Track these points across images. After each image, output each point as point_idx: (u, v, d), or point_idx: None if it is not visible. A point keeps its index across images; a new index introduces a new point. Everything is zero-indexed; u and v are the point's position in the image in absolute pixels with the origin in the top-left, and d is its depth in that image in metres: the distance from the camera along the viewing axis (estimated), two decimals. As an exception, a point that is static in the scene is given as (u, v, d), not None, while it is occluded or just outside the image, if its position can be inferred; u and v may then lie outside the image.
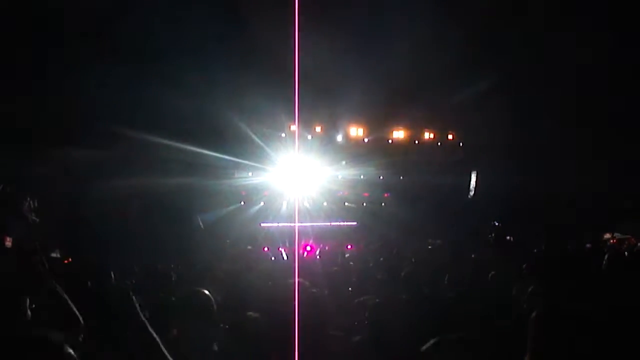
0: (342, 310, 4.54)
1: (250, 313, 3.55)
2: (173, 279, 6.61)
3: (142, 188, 15.05)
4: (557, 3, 13.61)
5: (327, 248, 17.85)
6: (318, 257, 14.64)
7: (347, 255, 14.78)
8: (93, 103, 13.69)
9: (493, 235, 16.84)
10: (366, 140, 21.08)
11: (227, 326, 3.54)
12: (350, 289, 6.45)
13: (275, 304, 3.77)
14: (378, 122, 20.87)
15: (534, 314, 2.32)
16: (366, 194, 23.83)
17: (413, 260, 10.23)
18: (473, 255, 11.54)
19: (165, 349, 2.92)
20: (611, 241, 16.06)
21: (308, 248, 17.91)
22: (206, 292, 3.25)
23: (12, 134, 12.17)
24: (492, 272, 6.12)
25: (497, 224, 17.96)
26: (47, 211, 13.02)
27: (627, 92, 14.16)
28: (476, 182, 21.75)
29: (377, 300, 4.17)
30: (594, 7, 12.96)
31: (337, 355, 3.51)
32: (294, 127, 19.73)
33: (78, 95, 13.13)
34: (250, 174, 21.31)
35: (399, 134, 21.19)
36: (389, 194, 22.96)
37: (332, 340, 3.64)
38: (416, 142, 21.45)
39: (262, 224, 22.40)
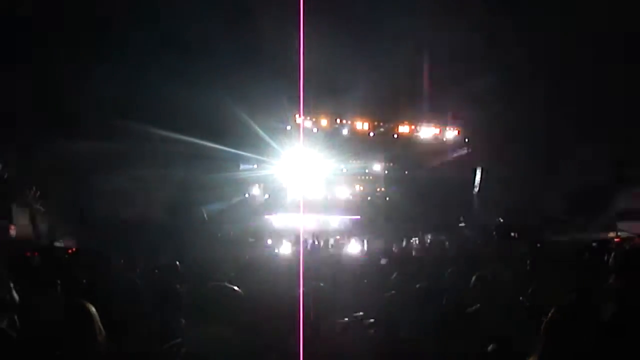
0: (347, 303, 4.53)
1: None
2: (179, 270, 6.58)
3: (146, 180, 15.07)
4: (561, 2, 13.59)
5: (331, 241, 17.86)
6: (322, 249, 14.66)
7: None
8: (99, 96, 13.70)
9: (496, 231, 16.80)
10: (371, 134, 21.05)
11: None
12: (365, 280, 6.43)
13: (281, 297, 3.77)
14: (384, 117, 20.86)
15: (550, 313, 2.30)
16: (371, 188, 23.83)
17: (416, 254, 10.22)
18: (476, 251, 11.52)
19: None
20: (615, 240, 15.98)
21: (312, 241, 17.91)
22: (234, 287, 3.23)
23: (18, 126, 12.20)
24: (492, 269, 6.04)
25: (501, 220, 17.92)
26: (52, 201, 13.06)
27: (629, 91, 14.11)
28: (481, 178, 21.69)
29: (389, 293, 4.17)
30: (596, 6, 12.93)
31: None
32: (299, 121, 19.70)
33: (84, 89, 13.14)
34: (255, 166, 21.29)
35: (404, 129, 21.18)
36: (393, 188, 22.93)
37: (337, 331, 3.64)
38: (421, 137, 21.44)
39: (266, 216, 22.38)
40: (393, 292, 4.36)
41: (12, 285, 3.10)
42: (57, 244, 11.79)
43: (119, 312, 3.30)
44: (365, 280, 6.45)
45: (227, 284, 3.24)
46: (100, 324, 2.76)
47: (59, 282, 4.14)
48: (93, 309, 2.79)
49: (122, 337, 2.98)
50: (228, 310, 2.89)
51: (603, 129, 15.27)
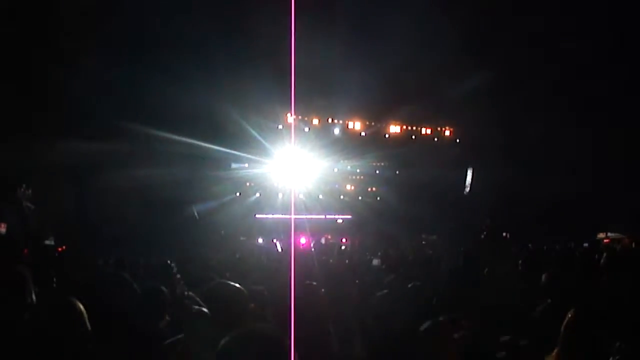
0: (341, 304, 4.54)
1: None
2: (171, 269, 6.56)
3: (138, 180, 15.00)
4: (556, 3, 13.64)
5: (322, 241, 17.84)
6: (313, 249, 14.64)
7: (342, 248, 14.79)
8: (91, 96, 13.65)
9: (485, 232, 16.84)
10: (363, 134, 21.08)
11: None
12: (357, 281, 6.43)
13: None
14: (375, 116, 20.89)
15: (570, 314, 2.32)
16: (362, 188, 23.84)
17: (409, 256, 10.23)
18: (468, 252, 11.52)
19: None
20: (604, 241, 16.06)
21: (303, 240, 17.88)
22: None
23: (13, 124, 12.14)
24: (486, 269, 6.07)
25: (489, 219, 17.97)
26: (43, 199, 12.99)
27: (626, 92, 14.19)
28: (472, 178, 21.77)
29: (381, 293, 4.18)
30: (593, 7, 12.99)
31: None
32: (291, 120, 19.69)
33: (79, 89, 13.09)
34: (246, 165, 21.24)
35: (395, 129, 21.24)
36: (384, 188, 22.95)
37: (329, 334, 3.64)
38: (413, 137, 21.50)
39: (258, 216, 22.34)
40: (385, 291, 4.38)
41: (32, 285, 3.07)
42: (47, 242, 11.71)
43: (108, 311, 3.29)
44: (357, 281, 6.46)
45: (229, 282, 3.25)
46: (87, 321, 2.75)
47: (54, 280, 4.11)
48: (81, 307, 2.77)
49: (110, 335, 2.98)
50: (232, 308, 2.89)
51: (600, 130, 15.36)
